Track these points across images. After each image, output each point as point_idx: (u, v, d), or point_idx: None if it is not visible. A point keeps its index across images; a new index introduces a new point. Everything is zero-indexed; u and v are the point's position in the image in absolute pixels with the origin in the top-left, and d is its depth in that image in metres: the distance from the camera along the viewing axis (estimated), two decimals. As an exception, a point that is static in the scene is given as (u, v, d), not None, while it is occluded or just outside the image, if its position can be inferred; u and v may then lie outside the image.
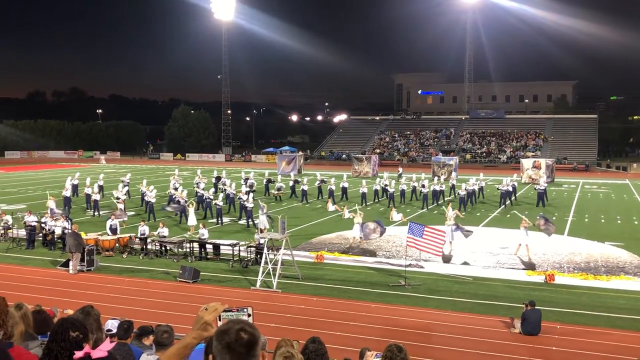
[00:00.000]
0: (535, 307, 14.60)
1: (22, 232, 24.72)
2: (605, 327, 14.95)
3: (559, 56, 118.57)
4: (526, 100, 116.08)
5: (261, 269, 18.61)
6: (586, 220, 32.05)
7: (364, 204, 36.01)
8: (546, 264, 21.36)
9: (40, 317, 5.82)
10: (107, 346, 3.16)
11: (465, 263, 21.59)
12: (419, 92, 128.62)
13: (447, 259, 21.71)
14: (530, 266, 21.19)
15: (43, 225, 24.54)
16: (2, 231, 25.29)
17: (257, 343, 2.64)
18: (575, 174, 64.31)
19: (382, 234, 23.67)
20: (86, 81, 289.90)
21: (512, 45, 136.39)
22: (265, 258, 18.67)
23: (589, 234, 27.31)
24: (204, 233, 22.59)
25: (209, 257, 22.18)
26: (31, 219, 24.50)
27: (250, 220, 28.52)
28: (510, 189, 37.54)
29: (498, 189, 37.49)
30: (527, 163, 54.16)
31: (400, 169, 55.29)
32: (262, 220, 25.30)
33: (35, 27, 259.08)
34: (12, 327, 4.07)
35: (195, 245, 22.49)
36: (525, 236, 22.68)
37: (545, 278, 19.13)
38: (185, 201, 29.53)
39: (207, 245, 22.44)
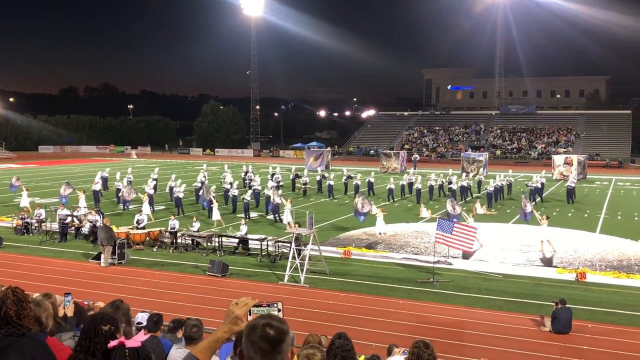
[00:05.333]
0: (566, 306, 14.41)
1: (55, 225, 25.24)
2: (638, 326, 14.67)
3: (592, 50, 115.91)
4: (558, 96, 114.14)
5: (289, 264, 18.69)
6: (619, 217, 31.45)
7: (391, 200, 35.91)
8: (577, 262, 21.03)
9: (74, 309, 5.94)
10: (140, 337, 3.22)
11: (482, 260, 21.38)
12: (449, 87, 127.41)
13: (466, 255, 21.44)
14: (550, 262, 21.00)
15: (74, 217, 25.12)
16: (36, 224, 25.87)
17: (283, 340, 2.60)
18: (608, 170, 63.15)
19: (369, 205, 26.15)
20: (117, 77, 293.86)
21: (544, 39, 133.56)
22: (293, 253, 18.75)
23: (621, 231, 26.80)
24: (243, 229, 22.85)
25: (237, 251, 22.38)
26: (64, 213, 25.02)
27: (277, 215, 28.67)
28: (539, 185, 37.05)
29: (527, 185, 37.01)
30: (558, 159, 53.38)
31: (416, 156, 56.29)
32: (286, 215, 25.81)
33: (67, 25, 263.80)
34: (47, 319, 4.14)
35: (229, 240, 22.76)
36: (546, 232, 22.51)
37: (577, 276, 18.84)
38: (213, 197, 29.88)
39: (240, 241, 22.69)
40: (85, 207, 27.85)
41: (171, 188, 33.43)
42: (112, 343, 3.11)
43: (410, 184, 38.38)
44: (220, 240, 22.62)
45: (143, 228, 24.12)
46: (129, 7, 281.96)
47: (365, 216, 26.05)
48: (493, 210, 32.49)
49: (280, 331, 2.61)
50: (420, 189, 36.41)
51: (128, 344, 3.08)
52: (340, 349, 5.96)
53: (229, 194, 32.61)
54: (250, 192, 32.16)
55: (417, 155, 58.86)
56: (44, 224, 25.69)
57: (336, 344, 6.03)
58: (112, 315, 3.72)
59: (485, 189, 36.03)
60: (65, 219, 24.77)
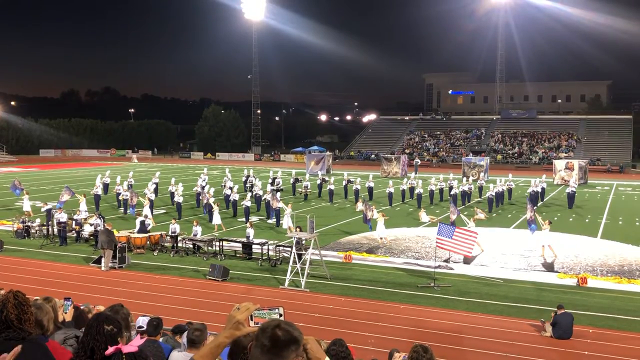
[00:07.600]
0: (567, 311, 14.38)
1: (57, 229, 25.20)
2: (639, 332, 14.64)
3: (593, 55, 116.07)
4: (559, 101, 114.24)
5: (289, 268, 18.67)
6: (620, 222, 31.41)
7: (391, 205, 35.86)
8: (579, 267, 21.00)
9: (75, 313, 5.94)
10: (137, 342, 3.22)
11: (483, 265, 21.34)
12: (450, 92, 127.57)
13: (467, 260, 21.40)
14: (551, 267, 20.95)
15: (74, 221, 25.15)
16: (37, 227, 25.83)
17: (288, 344, 2.58)
18: (609, 175, 63.06)
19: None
20: (119, 81, 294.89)
21: (545, 44, 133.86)
22: (294, 257, 18.74)
23: (623, 236, 26.75)
24: (250, 233, 22.84)
25: (238, 255, 22.36)
26: (62, 216, 24.98)
27: (277, 219, 28.66)
28: (540, 189, 36.97)
29: (530, 193, 36.86)
30: (559, 164, 53.29)
31: (418, 160, 56.30)
32: (286, 220, 25.82)
33: (68, 28, 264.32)
34: (49, 322, 4.15)
35: (233, 244, 22.83)
36: (547, 237, 22.47)
37: (578, 281, 18.80)
38: (212, 202, 29.91)
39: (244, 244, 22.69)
40: (85, 211, 27.86)
41: (172, 192, 33.49)
42: (110, 350, 3.11)
43: (412, 189, 38.39)
44: (220, 244, 22.61)
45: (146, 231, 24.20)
46: (130, 10, 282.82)
47: (370, 222, 26.11)
48: (492, 214, 32.44)
49: (288, 335, 2.59)
50: (421, 193, 36.39)
51: (125, 349, 3.08)
52: (335, 357, 5.93)
53: (230, 198, 32.60)
54: (249, 195, 32.17)
55: (419, 160, 59.15)
56: (45, 225, 25.66)
57: (331, 352, 6.00)
58: (116, 316, 3.71)
59: (489, 194, 35.97)
60: (61, 220, 24.72)
